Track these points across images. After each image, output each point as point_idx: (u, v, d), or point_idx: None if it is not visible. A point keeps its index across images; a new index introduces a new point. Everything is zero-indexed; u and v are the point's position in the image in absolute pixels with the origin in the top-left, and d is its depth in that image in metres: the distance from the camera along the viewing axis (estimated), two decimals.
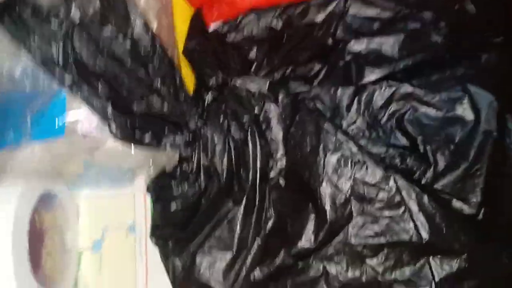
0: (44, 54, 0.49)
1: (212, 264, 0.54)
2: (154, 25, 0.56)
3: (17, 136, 0.53)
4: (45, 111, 0.52)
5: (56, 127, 0.52)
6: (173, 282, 0.55)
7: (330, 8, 0.56)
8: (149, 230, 0.58)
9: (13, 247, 0.53)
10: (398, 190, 0.50)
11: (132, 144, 0.51)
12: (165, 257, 0.56)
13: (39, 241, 0.62)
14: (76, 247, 0.68)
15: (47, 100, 0.51)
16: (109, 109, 0.49)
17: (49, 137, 0.52)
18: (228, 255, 0.53)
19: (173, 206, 0.55)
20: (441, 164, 0.52)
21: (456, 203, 0.51)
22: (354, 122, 0.55)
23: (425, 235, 0.49)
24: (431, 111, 0.53)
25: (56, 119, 0.51)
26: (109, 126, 0.50)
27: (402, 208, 0.50)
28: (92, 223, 0.69)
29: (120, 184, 0.63)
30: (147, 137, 0.52)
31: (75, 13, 0.49)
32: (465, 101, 0.53)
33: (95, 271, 0.68)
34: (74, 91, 0.49)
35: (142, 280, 0.67)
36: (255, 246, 0.53)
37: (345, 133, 0.53)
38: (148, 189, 0.56)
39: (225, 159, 0.55)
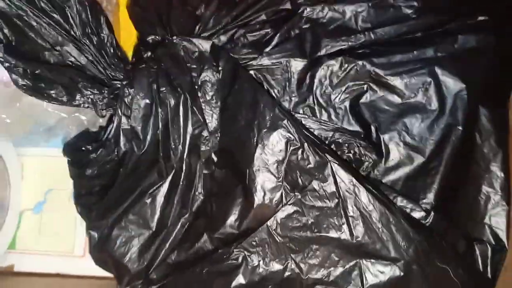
0: None
1: (129, 240, 0.47)
2: None
3: None
4: None
5: None
6: (90, 253, 0.51)
7: None
8: None
9: None
10: (334, 180, 0.43)
11: (42, 98, 0.45)
12: (87, 227, 0.51)
13: None
14: (17, 206, 0.66)
15: None
16: (7, 57, 0.42)
17: None
18: (147, 233, 0.47)
19: (88, 172, 0.49)
20: (394, 157, 0.45)
21: (402, 203, 0.44)
22: (305, 99, 0.48)
23: (357, 234, 0.42)
24: (390, 96, 0.46)
25: None
26: (11, 76, 0.43)
27: (335, 201, 0.43)
28: (35, 184, 0.65)
29: (53, 143, 0.59)
30: (57, 92, 0.45)
31: None
32: (431, 87, 0.46)
33: (34, 231, 0.65)
34: None
35: (80, 243, 0.64)
36: (178, 226, 0.47)
37: (284, 109, 0.46)
38: (63, 152, 0.50)
39: (150, 126, 0.48)
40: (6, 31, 0.43)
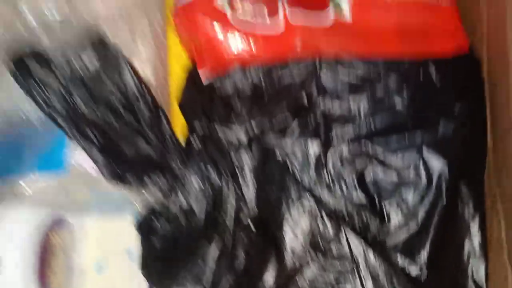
0: (47, 105, 0.55)
1: None
2: (151, 78, 0.63)
3: (24, 167, 0.59)
4: (49, 147, 0.59)
5: (57, 161, 0.58)
6: None
7: (306, 69, 0.60)
8: None
9: (22, 269, 0.58)
10: (348, 244, 0.55)
11: (119, 183, 0.57)
12: (150, 286, 0.60)
13: (46, 262, 0.64)
14: (81, 268, 0.69)
15: (51, 138, 0.58)
16: (97, 154, 0.55)
17: (49, 169, 0.59)
18: None
19: (157, 244, 0.59)
20: (394, 223, 0.56)
21: (401, 260, 0.55)
22: (320, 176, 0.58)
23: None
24: (389, 172, 0.57)
25: (57, 154, 0.58)
26: (98, 167, 0.56)
27: (350, 261, 0.54)
28: (97, 246, 0.69)
29: (121, 212, 0.67)
30: (133, 178, 0.56)
31: (78, 71, 0.56)
32: (420, 165, 0.57)
33: None
34: (72, 136, 0.55)
35: None
36: (225, 284, 0.57)
37: (305, 187, 0.57)
38: (136, 228, 0.61)
39: (203, 202, 0.59)
40: (96, 134, 0.56)
